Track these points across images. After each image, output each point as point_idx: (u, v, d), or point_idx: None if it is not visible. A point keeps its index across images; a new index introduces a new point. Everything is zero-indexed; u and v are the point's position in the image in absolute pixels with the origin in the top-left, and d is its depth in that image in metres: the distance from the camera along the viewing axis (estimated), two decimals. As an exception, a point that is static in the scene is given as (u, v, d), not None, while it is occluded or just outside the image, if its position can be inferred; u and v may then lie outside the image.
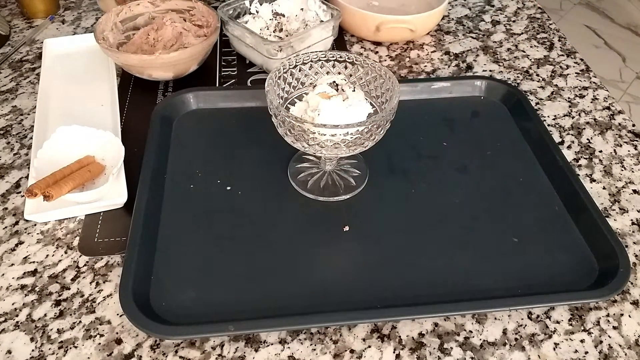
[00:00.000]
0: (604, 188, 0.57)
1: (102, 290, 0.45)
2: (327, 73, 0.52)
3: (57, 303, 0.44)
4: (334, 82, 0.50)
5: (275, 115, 0.46)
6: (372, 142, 0.47)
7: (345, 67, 0.52)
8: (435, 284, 0.46)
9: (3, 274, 0.46)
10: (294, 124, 0.45)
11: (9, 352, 0.41)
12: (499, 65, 0.73)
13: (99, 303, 0.45)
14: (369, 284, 0.46)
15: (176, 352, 0.42)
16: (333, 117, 0.45)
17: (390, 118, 0.46)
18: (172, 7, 0.70)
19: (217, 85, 0.67)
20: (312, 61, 0.51)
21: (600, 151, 0.61)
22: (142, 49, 0.66)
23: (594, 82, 0.71)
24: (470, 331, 0.44)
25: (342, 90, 0.49)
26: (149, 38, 0.67)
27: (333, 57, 0.51)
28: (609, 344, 0.43)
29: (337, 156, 0.51)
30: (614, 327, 0.45)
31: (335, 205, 0.52)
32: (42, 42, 0.71)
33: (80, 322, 0.43)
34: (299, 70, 0.51)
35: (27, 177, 0.55)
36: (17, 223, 0.51)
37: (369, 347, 0.42)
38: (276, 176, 0.54)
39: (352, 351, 0.42)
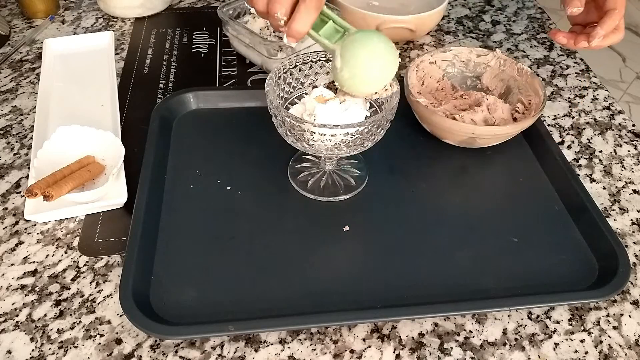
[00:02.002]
0: (604, 188, 0.57)
1: (102, 290, 0.45)
2: (327, 73, 0.52)
3: (57, 303, 0.44)
4: (333, 82, 0.50)
5: (275, 115, 0.46)
6: (372, 142, 0.47)
7: None
8: (435, 284, 0.46)
9: (3, 274, 0.46)
10: (294, 124, 0.45)
11: (9, 352, 0.41)
12: (499, 65, 0.73)
13: (99, 303, 0.45)
14: (369, 284, 0.46)
15: (176, 352, 0.42)
16: (329, 121, 0.45)
17: (390, 118, 0.46)
18: (506, 63, 0.61)
19: (217, 85, 0.67)
20: (312, 61, 0.51)
21: (600, 151, 0.61)
22: (440, 91, 0.60)
23: (594, 82, 0.71)
24: (470, 331, 0.44)
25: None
26: (456, 86, 0.61)
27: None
28: (609, 344, 0.43)
29: (337, 156, 0.51)
30: (614, 327, 0.45)
31: (335, 205, 0.52)
32: (42, 42, 0.71)
33: (80, 322, 0.43)
34: (299, 71, 0.51)
35: (27, 177, 0.55)
36: (17, 223, 0.51)
37: (369, 347, 0.42)
38: (276, 176, 0.54)
39: (352, 351, 0.42)
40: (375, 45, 0.42)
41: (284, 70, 0.50)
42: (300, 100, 0.51)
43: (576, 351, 0.43)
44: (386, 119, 0.46)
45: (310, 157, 0.56)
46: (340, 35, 0.45)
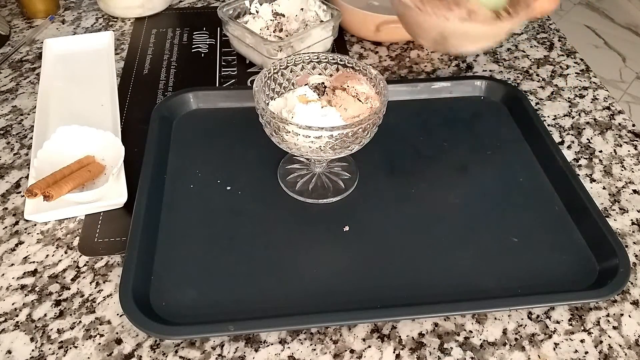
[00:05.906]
0: (604, 188, 0.57)
1: (102, 290, 0.45)
2: (320, 74, 0.51)
3: (57, 303, 0.44)
4: (322, 83, 0.49)
5: (261, 115, 0.46)
6: (359, 146, 0.47)
7: (337, 69, 0.51)
8: (435, 284, 0.46)
9: (3, 274, 0.46)
10: (279, 125, 0.44)
11: (9, 352, 0.41)
12: (499, 65, 0.73)
13: (99, 303, 0.45)
14: (369, 284, 0.46)
15: (176, 352, 0.42)
16: (305, 122, 0.44)
17: (378, 122, 0.46)
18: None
19: (217, 85, 0.67)
20: (303, 62, 0.51)
21: (600, 151, 0.61)
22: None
23: (594, 82, 0.71)
24: (470, 331, 0.44)
25: (329, 94, 0.49)
26: None
27: (326, 58, 0.51)
28: (609, 344, 0.43)
29: (323, 159, 0.50)
30: (614, 327, 0.45)
31: (335, 204, 0.52)
32: (42, 42, 0.71)
33: (80, 322, 0.43)
34: (290, 71, 0.51)
35: (27, 177, 0.55)
36: (17, 223, 0.51)
37: (369, 347, 0.42)
38: (276, 176, 0.54)
39: (352, 351, 0.42)
40: None
41: (275, 71, 0.49)
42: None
43: (576, 351, 0.43)
44: (373, 122, 0.45)
45: (301, 159, 0.56)
46: None
